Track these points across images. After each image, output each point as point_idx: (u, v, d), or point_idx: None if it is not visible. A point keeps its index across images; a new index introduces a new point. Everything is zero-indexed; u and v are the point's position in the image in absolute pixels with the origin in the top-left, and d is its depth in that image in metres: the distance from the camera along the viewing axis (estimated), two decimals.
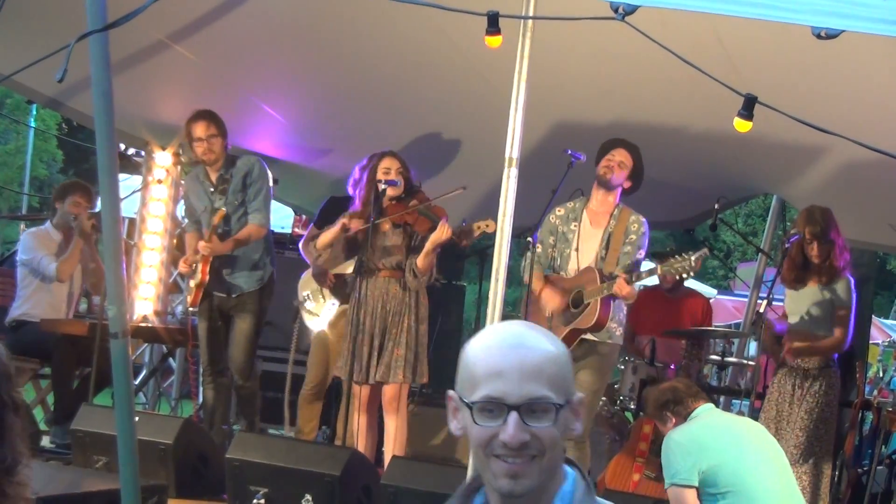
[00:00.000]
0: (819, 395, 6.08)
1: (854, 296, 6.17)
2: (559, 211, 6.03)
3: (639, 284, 5.76)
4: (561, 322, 5.85)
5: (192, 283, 6.72)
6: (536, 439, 1.91)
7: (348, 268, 6.62)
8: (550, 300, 5.88)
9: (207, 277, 6.65)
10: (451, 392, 2.02)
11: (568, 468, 2.02)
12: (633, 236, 5.87)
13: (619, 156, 5.91)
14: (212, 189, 6.71)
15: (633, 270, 5.73)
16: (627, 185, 5.96)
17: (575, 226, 5.97)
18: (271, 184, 6.93)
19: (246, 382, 6.80)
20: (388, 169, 6.17)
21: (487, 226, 6.13)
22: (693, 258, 5.45)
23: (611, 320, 5.83)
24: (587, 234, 5.96)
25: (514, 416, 1.90)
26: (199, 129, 6.61)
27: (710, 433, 4.67)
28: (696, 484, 4.48)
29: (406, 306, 6.11)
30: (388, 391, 6.09)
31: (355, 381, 6.07)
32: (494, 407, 1.91)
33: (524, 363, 1.91)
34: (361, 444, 6.17)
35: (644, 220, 5.93)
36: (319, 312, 6.90)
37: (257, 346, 6.88)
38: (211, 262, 6.65)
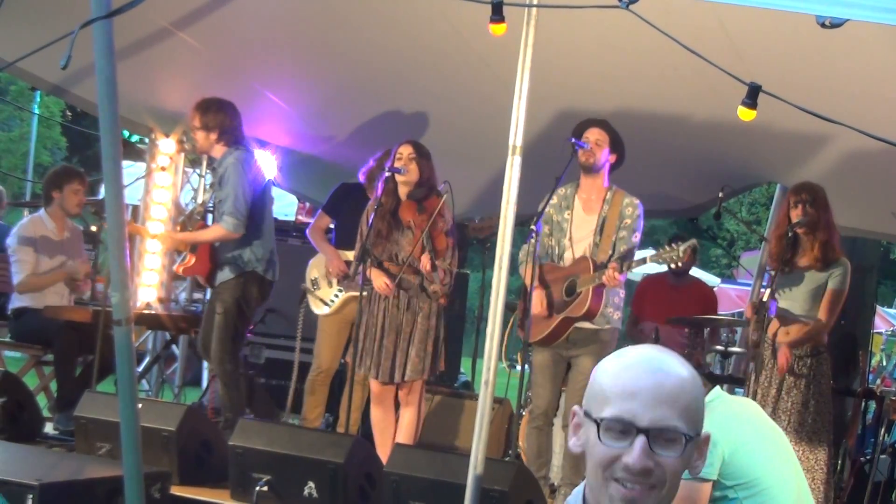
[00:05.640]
0: (810, 386, 5.95)
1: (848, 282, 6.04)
2: (552, 200, 5.88)
3: (643, 272, 5.74)
4: (554, 310, 5.83)
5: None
6: (660, 468, 1.85)
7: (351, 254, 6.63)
8: (539, 298, 5.81)
9: (194, 260, 6.65)
10: (575, 407, 1.96)
11: None
12: (629, 220, 5.79)
13: (594, 135, 5.80)
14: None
15: (626, 258, 5.69)
16: (613, 158, 5.87)
17: (568, 214, 5.89)
18: (263, 178, 6.69)
19: (216, 369, 6.61)
20: (400, 155, 6.08)
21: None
22: (681, 249, 5.44)
23: (605, 306, 5.78)
24: (581, 221, 5.88)
25: (641, 439, 1.83)
26: (191, 120, 6.60)
27: (735, 421, 4.40)
28: (716, 477, 4.09)
29: (417, 303, 6.05)
30: (404, 386, 6.10)
31: (380, 381, 6.07)
32: (623, 427, 1.85)
33: (661, 387, 1.85)
34: (378, 437, 6.17)
35: (638, 202, 5.85)
36: (326, 298, 6.90)
37: (232, 336, 6.54)
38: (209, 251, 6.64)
